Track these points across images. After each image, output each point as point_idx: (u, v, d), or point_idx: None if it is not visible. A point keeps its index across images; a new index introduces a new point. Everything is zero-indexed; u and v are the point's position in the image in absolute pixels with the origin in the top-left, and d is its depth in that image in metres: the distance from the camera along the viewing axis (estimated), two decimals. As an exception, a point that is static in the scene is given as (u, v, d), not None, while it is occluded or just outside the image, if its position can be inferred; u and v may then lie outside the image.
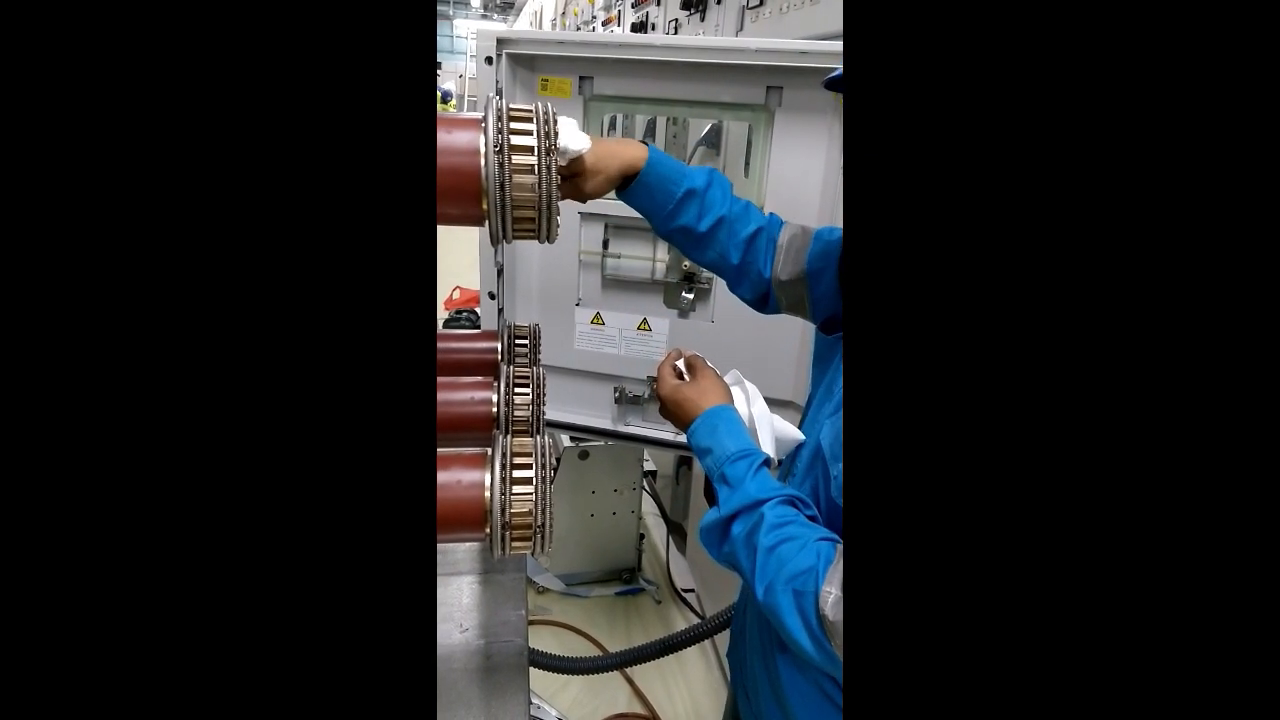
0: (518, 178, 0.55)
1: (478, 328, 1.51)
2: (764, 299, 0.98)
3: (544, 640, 2.05)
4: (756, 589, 0.68)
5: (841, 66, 0.75)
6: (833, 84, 0.75)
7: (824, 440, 0.76)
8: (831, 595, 0.62)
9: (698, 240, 0.92)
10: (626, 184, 0.88)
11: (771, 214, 0.97)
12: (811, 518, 0.72)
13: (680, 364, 0.90)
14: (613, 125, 1.83)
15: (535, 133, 0.56)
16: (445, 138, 0.56)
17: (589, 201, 0.86)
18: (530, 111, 0.57)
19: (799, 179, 1.28)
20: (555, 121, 0.57)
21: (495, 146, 0.55)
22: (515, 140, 0.55)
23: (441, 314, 3.71)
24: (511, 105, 0.57)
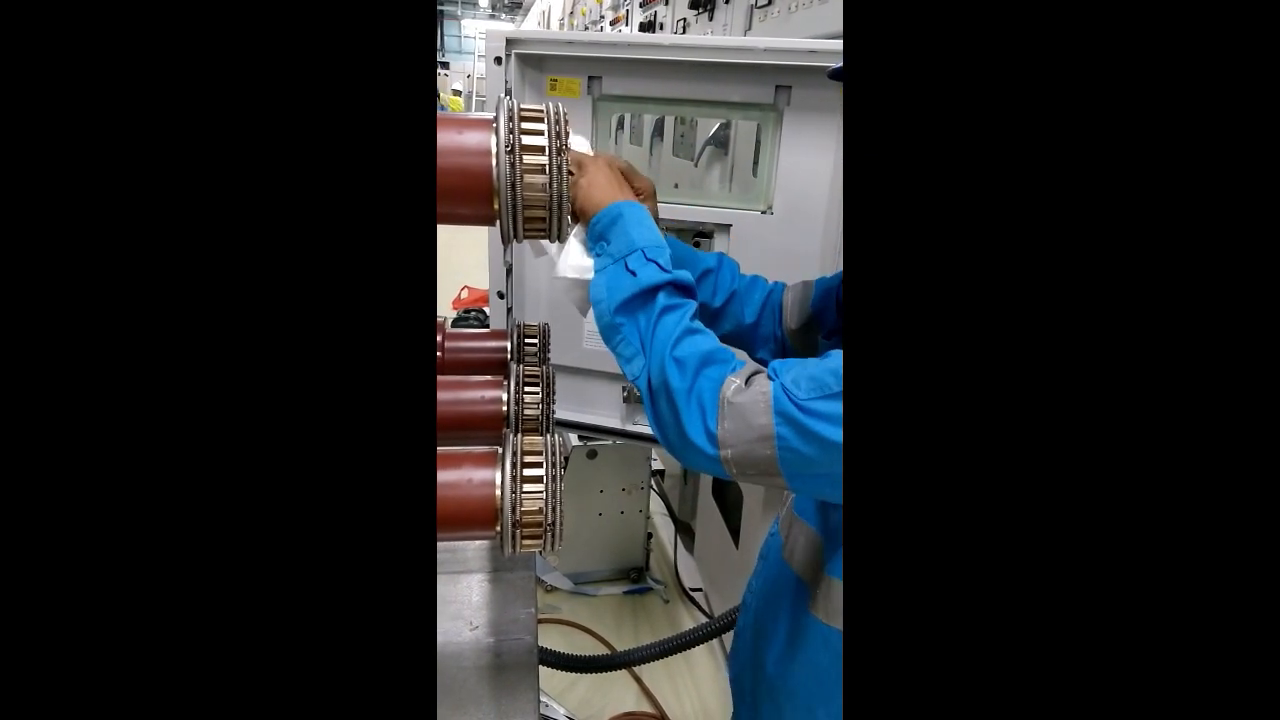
0: (529, 177, 0.56)
1: (486, 328, 1.52)
2: (781, 355, 1.02)
3: (552, 639, 2.05)
4: (666, 359, 0.66)
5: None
6: (838, 74, 0.75)
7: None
8: (735, 384, 0.62)
9: (713, 315, 0.98)
10: None
11: (777, 282, 1.03)
12: None
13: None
14: (620, 125, 1.84)
15: (546, 133, 0.56)
16: (457, 138, 0.57)
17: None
18: (541, 111, 0.57)
19: (808, 178, 1.27)
20: (566, 122, 0.57)
21: (507, 147, 0.55)
22: (527, 140, 0.56)
23: (450, 314, 3.72)
24: (523, 105, 0.57)
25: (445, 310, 3.95)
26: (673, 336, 0.67)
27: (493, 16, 17.32)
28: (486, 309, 1.65)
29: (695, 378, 0.64)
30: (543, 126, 0.56)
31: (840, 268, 1.06)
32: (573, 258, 0.78)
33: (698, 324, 0.69)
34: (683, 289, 0.71)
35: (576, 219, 0.77)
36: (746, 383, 0.63)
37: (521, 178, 0.55)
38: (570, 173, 0.80)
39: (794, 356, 0.98)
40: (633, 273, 0.70)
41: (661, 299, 0.69)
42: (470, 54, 16.95)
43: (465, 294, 4.20)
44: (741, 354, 0.71)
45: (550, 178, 0.56)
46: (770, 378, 0.63)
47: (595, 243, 0.74)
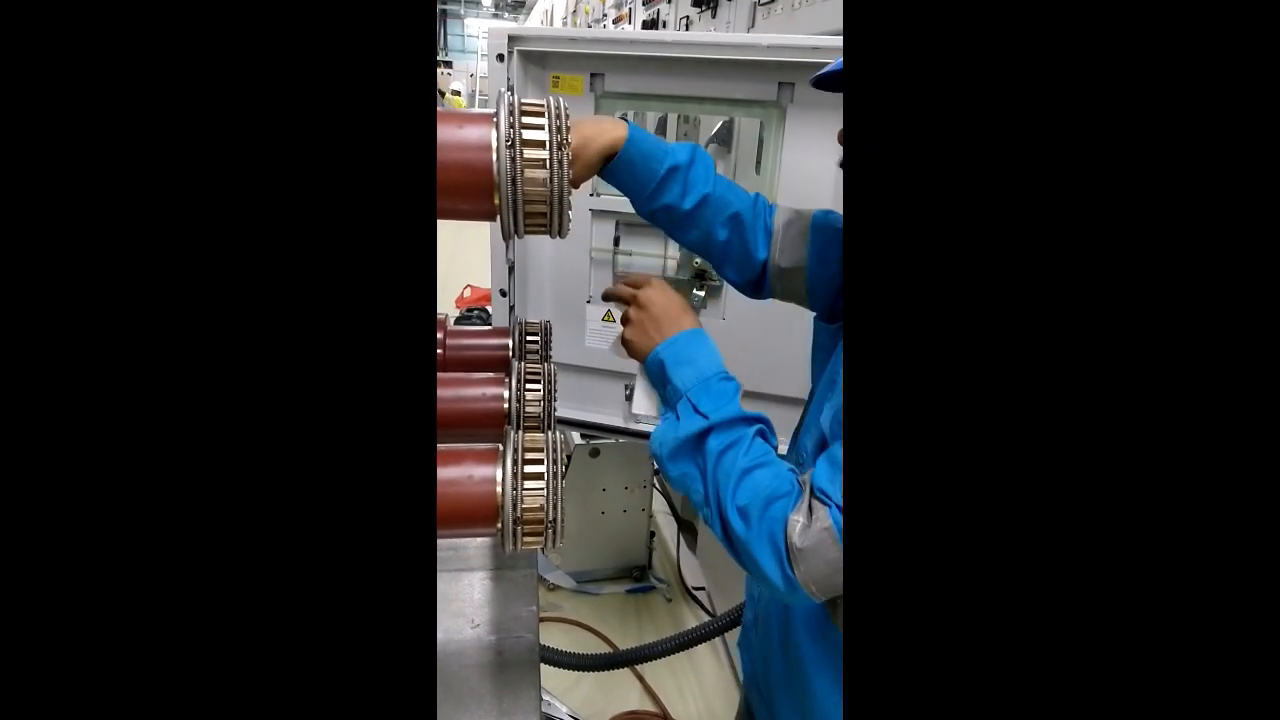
0: (530, 173, 0.55)
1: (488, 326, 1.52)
2: (755, 284, 0.96)
3: (555, 637, 2.05)
4: (726, 509, 0.67)
5: (831, 62, 0.74)
6: (822, 82, 0.73)
7: (824, 422, 0.75)
8: (799, 523, 0.62)
9: (681, 219, 0.89)
10: (607, 163, 0.85)
11: (757, 194, 0.94)
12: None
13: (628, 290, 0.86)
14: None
15: (547, 128, 0.56)
16: (457, 133, 0.57)
17: (592, 195, 0.86)
18: (542, 106, 0.57)
19: (811, 176, 1.27)
20: (568, 116, 0.57)
21: (507, 141, 0.55)
22: (528, 135, 0.55)
23: (453, 312, 3.72)
24: (524, 100, 0.57)
25: (448, 309, 3.96)
26: (732, 482, 0.67)
27: (496, 15, 17.33)
28: (489, 308, 1.65)
29: (760, 523, 0.65)
30: (544, 121, 0.56)
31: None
32: (640, 404, 0.80)
33: (755, 451, 0.69)
34: (733, 423, 0.70)
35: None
36: (809, 518, 0.63)
37: (522, 172, 0.55)
38: (626, 304, 0.84)
39: (770, 290, 0.95)
40: (679, 418, 0.72)
41: (712, 443, 0.70)
42: (474, 53, 16.97)
43: (468, 292, 4.20)
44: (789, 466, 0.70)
45: (551, 173, 0.56)
46: (823, 502, 0.63)
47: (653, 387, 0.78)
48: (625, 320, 0.84)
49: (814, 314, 0.95)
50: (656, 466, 0.77)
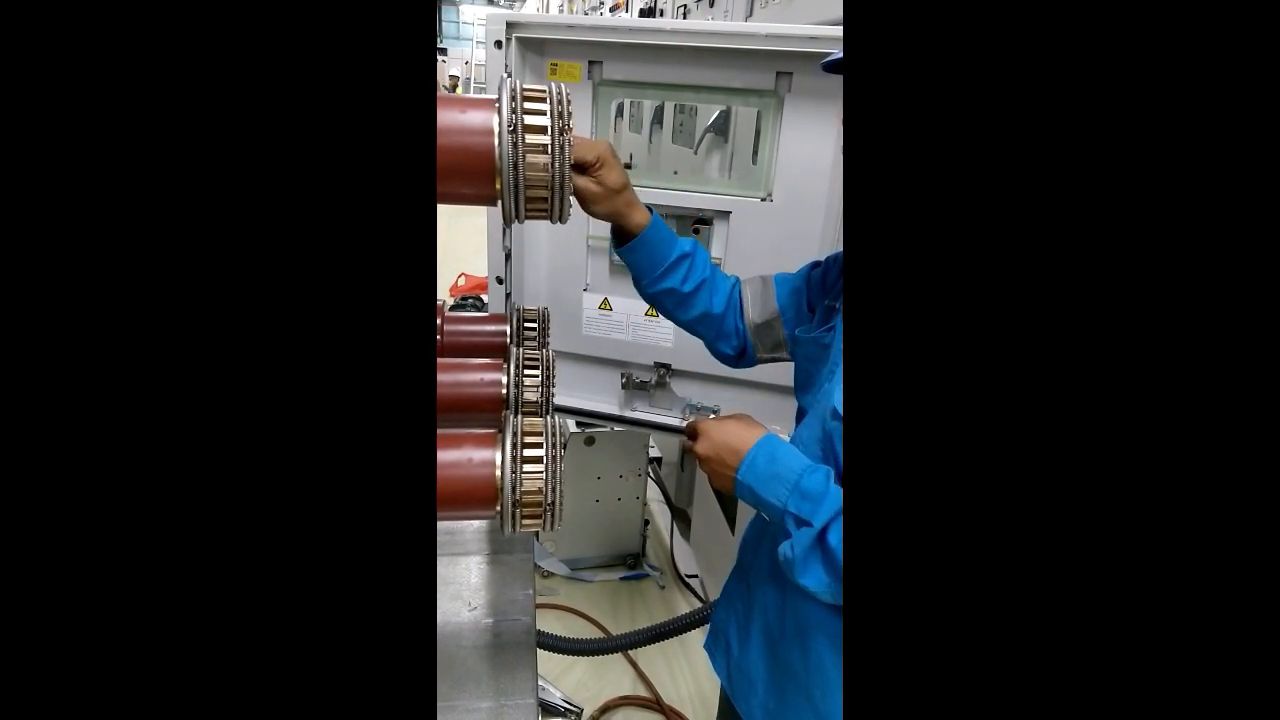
0: (531, 157, 0.56)
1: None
2: (741, 352, 1.07)
3: (549, 624, 2.07)
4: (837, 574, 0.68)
5: (837, 50, 0.75)
6: (833, 66, 0.75)
7: (835, 401, 0.77)
8: None
9: (681, 299, 1.01)
10: (625, 240, 0.96)
11: (732, 276, 1.06)
12: None
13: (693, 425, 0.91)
14: (619, 112, 1.83)
15: (549, 113, 0.56)
16: (459, 117, 0.57)
17: (593, 204, 0.90)
18: (544, 92, 0.57)
19: (808, 165, 1.27)
20: (569, 103, 0.57)
21: (509, 126, 0.56)
22: (529, 120, 0.56)
23: (447, 301, 3.71)
24: (525, 86, 0.57)
25: (442, 297, 3.94)
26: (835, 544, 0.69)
27: (490, 2, 17.18)
28: (484, 296, 1.65)
29: None
30: (545, 107, 0.56)
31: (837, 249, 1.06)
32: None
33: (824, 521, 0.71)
34: (840, 511, 0.71)
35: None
36: None
37: (524, 157, 0.55)
38: (692, 436, 0.88)
39: (753, 350, 1.05)
40: (790, 535, 0.73)
41: (832, 539, 0.69)
42: (469, 40, 16.82)
43: (463, 280, 4.19)
44: None
45: (552, 158, 0.56)
46: None
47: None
48: (701, 466, 0.88)
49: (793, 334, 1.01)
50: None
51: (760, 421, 0.86)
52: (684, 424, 0.94)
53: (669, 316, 1.05)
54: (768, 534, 0.92)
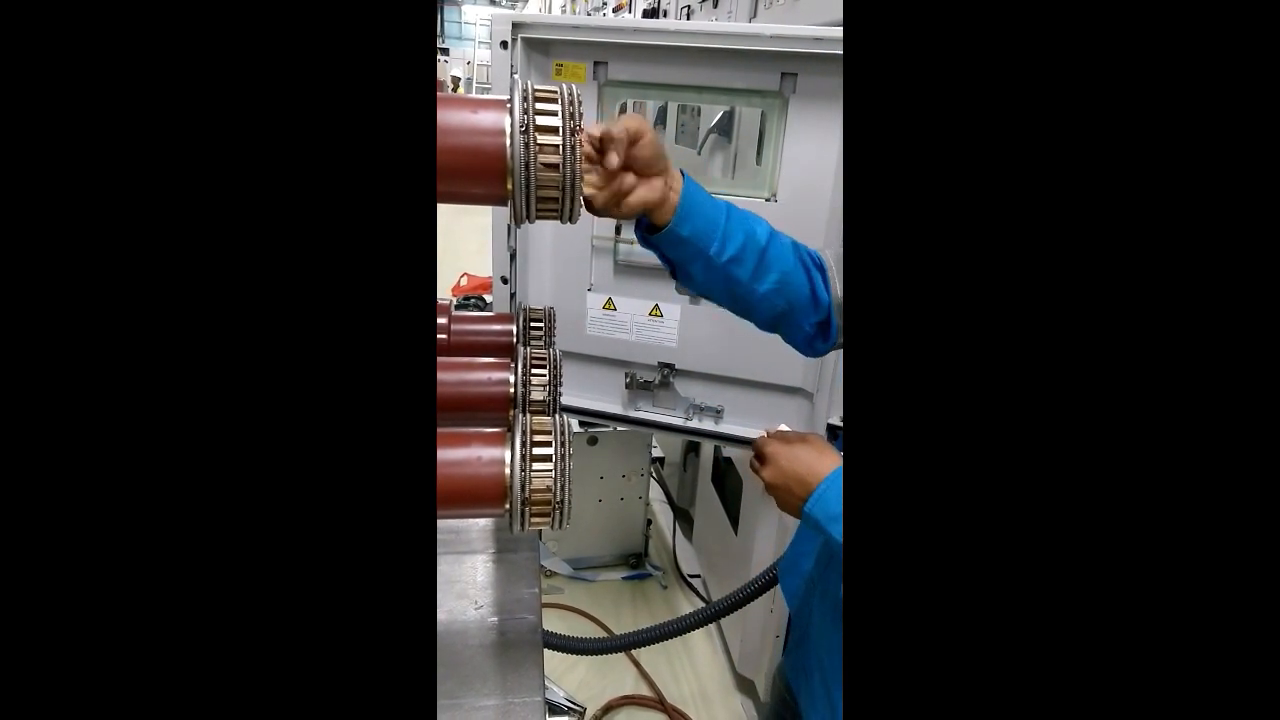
0: (543, 158, 0.56)
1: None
2: (823, 325, 0.88)
3: (552, 623, 2.07)
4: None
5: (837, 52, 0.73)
6: None
7: None
8: None
9: (755, 301, 0.84)
10: (655, 228, 0.77)
11: (799, 246, 0.87)
12: None
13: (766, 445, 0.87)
14: (623, 113, 1.82)
15: (560, 114, 0.57)
16: (471, 118, 0.57)
17: (619, 208, 0.74)
18: (555, 93, 0.57)
19: (813, 167, 1.28)
20: (580, 103, 0.58)
21: (521, 127, 0.56)
22: (541, 121, 0.56)
23: (451, 300, 3.72)
24: (537, 86, 0.58)
25: (445, 296, 3.95)
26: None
27: (493, 2, 17.18)
28: (486, 296, 1.65)
29: None
30: (557, 108, 0.57)
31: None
32: None
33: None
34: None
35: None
36: None
37: (535, 158, 0.56)
38: (760, 458, 0.86)
39: (835, 332, 0.87)
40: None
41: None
42: (471, 40, 16.83)
43: (465, 281, 4.19)
44: None
45: (564, 159, 0.56)
46: None
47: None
48: (767, 490, 0.85)
49: None
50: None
51: (823, 441, 0.84)
52: (754, 439, 0.88)
53: (737, 293, 0.84)
54: (815, 592, 0.92)
